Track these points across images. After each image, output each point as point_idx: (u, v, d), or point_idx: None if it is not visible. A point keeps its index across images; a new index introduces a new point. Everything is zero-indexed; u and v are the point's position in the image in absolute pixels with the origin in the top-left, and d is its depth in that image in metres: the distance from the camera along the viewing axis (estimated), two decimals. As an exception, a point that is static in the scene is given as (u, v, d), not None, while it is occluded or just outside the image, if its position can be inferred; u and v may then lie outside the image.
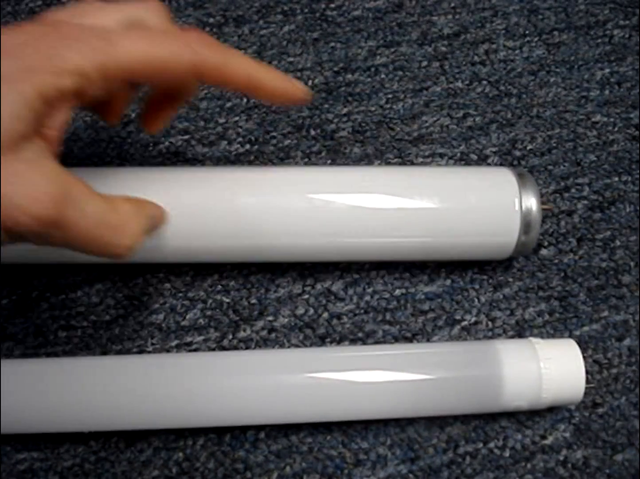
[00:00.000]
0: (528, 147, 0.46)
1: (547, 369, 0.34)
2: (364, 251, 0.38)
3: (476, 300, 0.40)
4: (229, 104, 0.46)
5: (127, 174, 0.37)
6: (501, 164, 0.45)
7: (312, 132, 0.46)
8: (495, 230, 0.37)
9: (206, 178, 0.37)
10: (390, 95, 0.47)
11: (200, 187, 0.36)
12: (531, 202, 0.37)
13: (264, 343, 0.38)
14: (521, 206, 0.37)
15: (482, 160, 0.45)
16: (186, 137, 0.45)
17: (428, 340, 0.39)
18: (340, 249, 0.37)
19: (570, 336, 0.39)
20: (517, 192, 0.37)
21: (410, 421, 0.36)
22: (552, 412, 0.37)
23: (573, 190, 0.44)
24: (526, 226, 0.37)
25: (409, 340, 0.39)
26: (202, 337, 0.38)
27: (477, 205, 0.37)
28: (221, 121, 0.46)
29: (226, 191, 0.36)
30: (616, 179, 0.45)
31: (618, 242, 0.42)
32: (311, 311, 0.39)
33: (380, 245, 0.37)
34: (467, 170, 0.39)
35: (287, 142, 0.45)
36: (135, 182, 0.36)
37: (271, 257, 0.38)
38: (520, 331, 0.39)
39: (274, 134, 0.45)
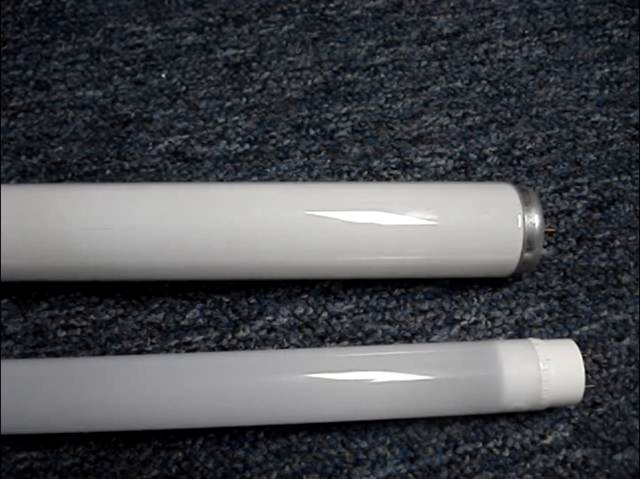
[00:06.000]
0: (527, 147, 0.46)
1: (547, 370, 0.34)
2: (364, 269, 0.38)
3: (475, 300, 0.40)
4: (228, 104, 0.46)
5: (123, 190, 0.37)
6: (500, 164, 0.45)
7: (312, 132, 0.46)
8: (497, 247, 0.37)
9: (200, 195, 0.37)
10: (389, 95, 0.47)
11: (194, 204, 0.36)
12: (534, 219, 0.36)
13: (263, 343, 0.38)
14: (524, 223, 0.36)
15: (482, 160, 0.45)
16: (185, 136, 0.45)
17: (427, 340, 0.39)
18: (340, 267, 0.37)
19: (570, 336, 0.39)
20: (520, 209, 0.37)
21: (410, 421, 0.36)
22: (552, 412, 0.37)
23: (572, 190, 0.44)
24: (529, 243, 0.37)
25: (408, 340, 0.39)
26: (201, 337, 0.38)
27: (479, 222, 0.37)
28: (220, 120, 0.46)
29: (222, 207, 0.36)
30: (615, 178, 0.45)
31: (617, 242, 0.42)
32: (310, 310, 0.39)
33: (381, 263, 0.37)
34: (470, 186, 0.39)
35: (286, 141, 0.45)
36: (131, 199, 0.36)
37: (267, 274, 0.38)
38: (520, 330, 0.39)
39: (274, 133, 0.45)
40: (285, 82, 0.48)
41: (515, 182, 0.41)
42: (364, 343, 0.39)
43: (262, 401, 0.34)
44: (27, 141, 0.44)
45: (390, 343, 0.39)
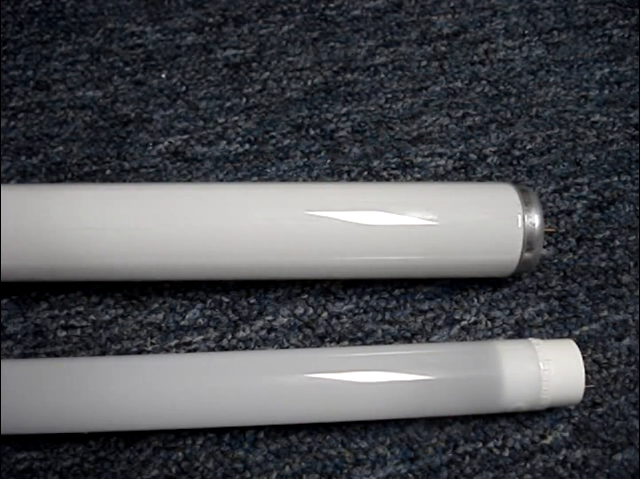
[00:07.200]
0: (527, 147, 0.46)
1: (547, 370, 0.34)
2: (364, 269, 0.38)
3: (475, 300, 0.40)
4: (228, 104, 0.46)
5: (123, 190, 0.37)
6: (500, 164, 0.45)
7: (312, 132, 0.46)
8: (497, 247, 0.37)
9: (200, 195, 0.37)
10: (389, 95, 0.47)
11: (194, 204, 0.36)
12: (534, 219, 0.36)
13: (263, 343, 0.38)
14: (524, 223, 0.36)
15: (482, 160, 0.45)
16: (185, 137, 0.45)
17: (427, 340, 0.39)
18: (340, 267, 0.37)
19: (570, 336, 0.39)
20: (520, 209, 0.37)
21: (410, 421, 0.36)
22: (552, 412, 0.37)
23: (572, 190, 0.44)
24: (529, 243, 0.37)
25: (408, 340, 0.39)
26: (201, 337, 0.38)
27: (479, 222, 0.37)
28: (220, 120, 0.46)
29: (222, 207, 0.36)
30: (615, 178, 0.45)
31: (617, 242, 0.42)
32: (310, 310, 0.39)
33: (381, 263, 0.37)
34: (470, 186, 0.39)
35: (286, 141, 0.45)
36: (131, 199, 0.36)
37: (267, 274, 0.38)
38: (520, 330, 0.39)
39: (274, 133, 0.45)
40: (285, 82, 0.48)
41: (515, 182, 0.41)
42: (364, 343, 0.39)
43: (262, 401, 0.34)
44: (27, 141, 0.44)
45: (390, 343, 0.39)
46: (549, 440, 0.36)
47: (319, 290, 0.40)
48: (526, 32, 0.51)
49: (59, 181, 0.43)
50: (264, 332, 0.39)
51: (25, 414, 0.33)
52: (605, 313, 0.40)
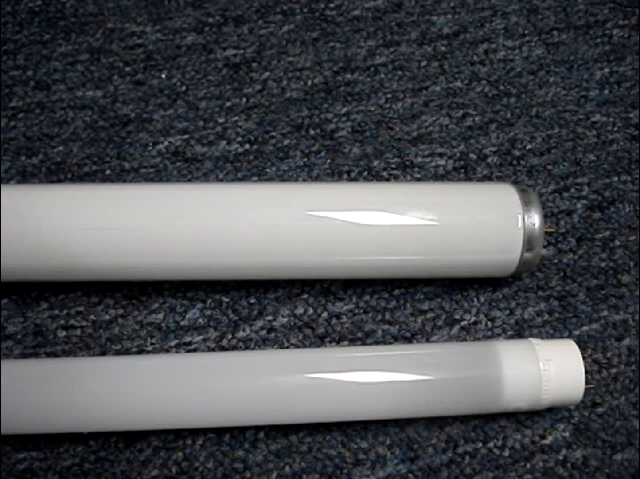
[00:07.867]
0: (527, 147, 0.46)
1: (547, 370, 0.34)
2: (364, 269, 0.38)
3: (475, 300, 0.40)
4: (228, 104, 0.46)
5: (123, 190, 0.38)
6: (500, 164, 0.45)
7: (312, 132, 0.46)
8: (497, 247, 0.37)
9: (200, 195, 0.37)
10: (389, 95, 0.47)
11: (194, 204, 0.36)
12: (534, 219, 0.37)
13: (263, 343, 0.38)
14: (524, 223, 0.36)
15: (482, 160, 0.45)
16: (185, 136, 0.45)
17: (427, 340, 0.39)
18: (340, 267, 0.37)
19: (570, 336, 0.39)
20: (520, 209, 0.37)
21: (410, 421, 0.36)
22: (552, 412, 0.37)
23: (572, 190, 0.44)
24: (529, 243, 0.37)
25: (408, 340, 0.39)
26: (201, 337, 0.38)
27: (479, 222, 0.37)
28: (220, 120, 0.46)
29: (222, 207, 0.36)
30: (615, 178, 0.45)
31: (617, 242, 0.42)
32: (310, 310, 0.39)
33: (381, 263, 0.37)
34: (470, 186, 0.39)
35: (286, 141, 0.45)
36: (131, 199, 0.36)
37: (267, 274, 0.38)
38: (520, 330, 0.39)
39: (273, 133, 0.45)
40: (285, 82, 0.48)
41: (515, 182, 0.41)
42: (364, 343, 0.39)
43: (262, 401, 0.34)
44: (27, 141, 0.44)
45: (390, 343, 0.39)
46: (549, 440, 0.36)
47: (319, 290, 0.40)
48: (526, 32, 0.51)
49: (59, 181, 0.43)
50: (264, 332, 0.39)
51: (25, 414, 0.33)
52: (605, 313, 0.40)
